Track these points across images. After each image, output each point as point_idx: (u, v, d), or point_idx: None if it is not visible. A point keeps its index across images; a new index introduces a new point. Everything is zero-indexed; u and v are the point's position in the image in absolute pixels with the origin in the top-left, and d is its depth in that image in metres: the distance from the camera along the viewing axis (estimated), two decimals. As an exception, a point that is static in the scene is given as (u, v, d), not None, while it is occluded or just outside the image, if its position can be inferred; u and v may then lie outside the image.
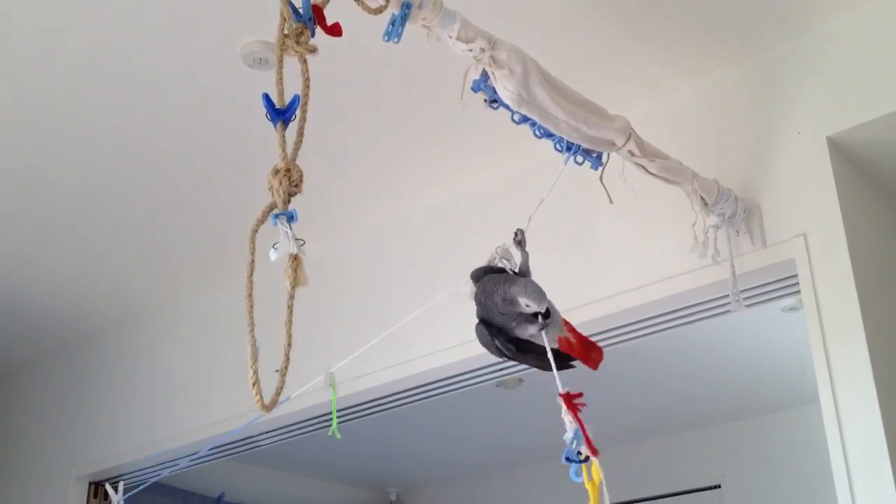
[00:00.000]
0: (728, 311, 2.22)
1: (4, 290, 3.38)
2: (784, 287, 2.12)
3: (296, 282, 1.04)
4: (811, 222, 2.02)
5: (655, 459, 4.87)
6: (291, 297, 1.03)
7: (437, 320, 2.63)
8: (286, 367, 1.02)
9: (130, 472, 3.50)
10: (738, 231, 2.07)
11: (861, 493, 1.80)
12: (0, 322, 3.62)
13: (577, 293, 2.37)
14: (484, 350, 2.53)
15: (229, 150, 2.60)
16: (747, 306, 2.19)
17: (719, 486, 4.60)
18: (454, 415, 4.59)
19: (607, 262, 2.34)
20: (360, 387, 2.75)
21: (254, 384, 0.98)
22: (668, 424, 4.73)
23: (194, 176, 2.72)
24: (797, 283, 2.05)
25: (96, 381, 3.68)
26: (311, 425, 3.02)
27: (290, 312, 1.03)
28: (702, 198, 1.96)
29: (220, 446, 3.21)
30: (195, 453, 3.26)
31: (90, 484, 3.54)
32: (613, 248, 2.35)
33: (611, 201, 1.79)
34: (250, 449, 3.25)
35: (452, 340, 2.59)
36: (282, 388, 0.99)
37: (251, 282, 1.01)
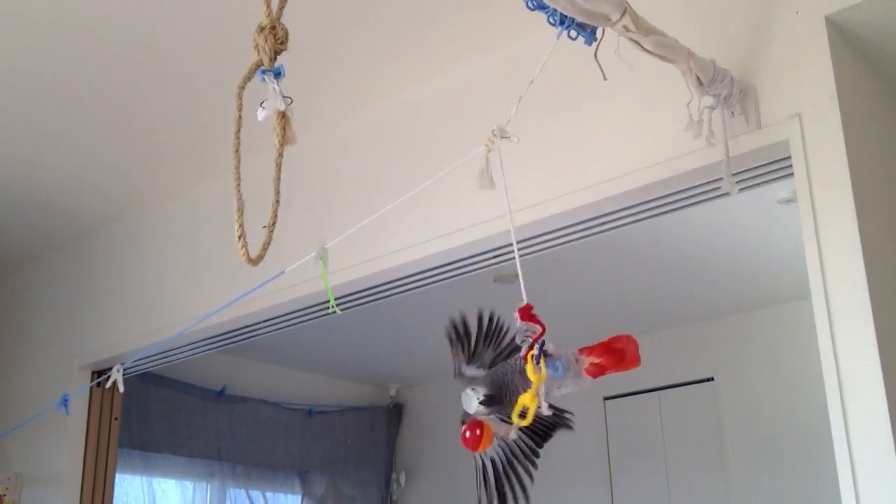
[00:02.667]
0: (721, 195, 2.23)
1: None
2: (778, 170, 2.12)
3: (284, 139, 1.05)
4: (806, 103, 2.00)
5: (650, 354, 4.92)
6: (280, 154, 1.04)
7: (430, 208, 2.64)
8: (274, 224, 1.02)
9: (133, 361, 3.56)
10: (733, 112, 2.06)
11: (849, 385, 1.83)
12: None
13: (569, 179, 2.37)
14: (477, 237, 2.55)
15: (219, 42, 2.57)
16: (741, 190, 2.19)
17: (712, 379, 4.69)
18: (451, 311, 4.64)
19: (599, 146, 2.33)
20: (352, 276, 2.77)
21: (239, 237, 0.99)
22: (662, 319, 4.79)
23: (184, 69, 2.70)
24: (791, 167, 2.05)
25: (93, 274, 3.72)
26: (309, 313, 3.06)
27: (279, 170, 1.04)
28: (697, 77, 1.94)
29: (219, 335, 3.26)
30: (195, 342, 3.32)
31: (92, 373, 3.61)
32: (605, 132, 2.34)
33: (605, 78, 1.77)
34: (249, 338, 3.29)
35: (445, 228, 2.60)
36: (269, 243, 1.00)
37: (238, 138, 1.01)
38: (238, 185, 1.00)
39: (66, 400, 3.03)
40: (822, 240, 1.94)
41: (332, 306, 1.65)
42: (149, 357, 3.51)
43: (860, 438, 1.79)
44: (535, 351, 1.36)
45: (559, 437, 5.85)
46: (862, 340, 1.82)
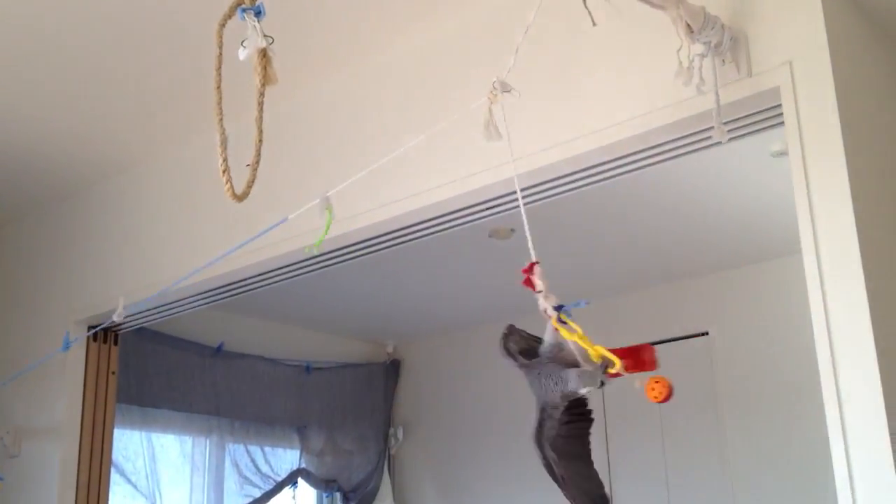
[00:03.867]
0: (713, 144, 2.23)
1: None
2: (769, 118, 2.12)
3: (265, 79, 1.05)
4: (797, 50, 2.00)
5: (645, 309, 4.98)
6: (261, 94, 1.04)
7: (426, 160, 2.64)
8: (257, 162, 1.03)
9: (130, 316, 3.58)
10: (723, 60, 2.06)
11: (839, 340, 1.84)
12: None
13: (560, 129, 2.37)
14: (472, 188, 2.54)
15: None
16: (732, 139, 2.19)
17: (707, 334, 4.72)
18: (447, 267, 4.66)
19: (589, 96, 2.33)
20: (348, 228, 2.77)
21: (224, 171, 1.00)
22: (657, 275, 4.81)
23: (172, 19, 2.68)
24: (782, 115, 2.05)
25: (90, 228, 3.72)
26: (302, 268, 3.07)
27: (261, 109, 1.04)
28: (687, 24, 1.93)
29: (216, 289, 3.27)
30: (191, 296, 3.33)
31: (89, 327, 3.62)
32: (595, 82, 2.33)
33: (594, 23, 1.77)
34: (244, 292, 3.31)
35: (441, 179, 2.61)
36: (253, 181, 1.01)
37: (219, 74, 1.01)
38: (220, 120, 1.00)
39: (67, 343, 3.06)
40: (811, 188, 1.95)
41: (314, 246, 1.64)
42: (146, 311, 3.53)
43: (849, 392, 1.81)
44: (554, 314, 1.38)
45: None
46: (852, 292, 1.83)
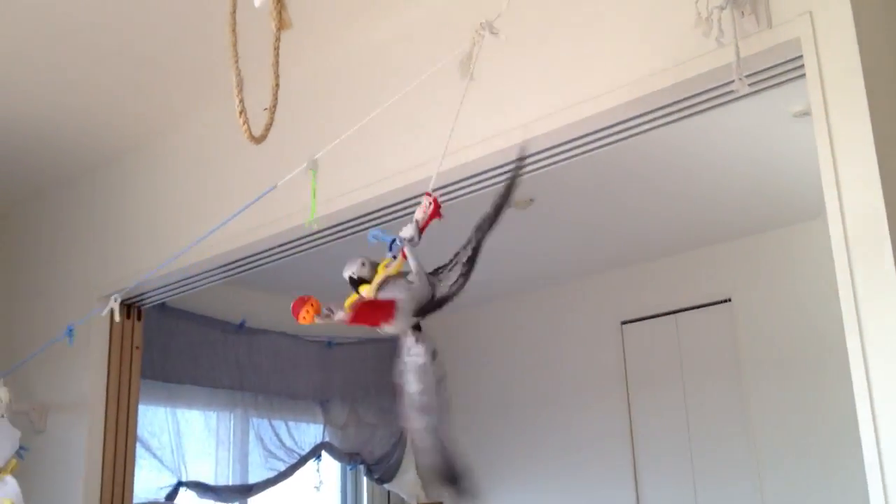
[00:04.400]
0: (734, 99, 2.21)
1: (13, 122, 3.40)
2: (790, 70, 2.09)
3: (280, 24, 1.04)
4: (817, 0, 1.97)
5: (666, 277, 4.96)
6: (277, 38, 1.03)
7: (421, 131, 2.64)
8: (275, 106, 1.03)
9: (151, 291, 3.60)
10: (743, 12, 2.03)
11: (865, 306, 1.81)
12: (12, 153, 3.66)
13: (581, 86, 2.34)
14: (471, 158, 2.51)
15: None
16: (755, 93, 2.17)
17: (730, 300, 4.70)
18: (465, 240, 4.64)
19: (604, 52, 2.31)
20: (347, 203, 2.79)
21: (240, 112, 0.99)
22: (678, 242, 4.78)
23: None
24: (803, 67, 2.02)
25: (107, 205, 3.74)
26: (307, 242, 3.09)
27: (277, 53, 1.04)
28: (706, -25, 1.91)
29: (231, 263, 3.28)
30: (208, 270, 3.35)
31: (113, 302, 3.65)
32: (610, 37, 2.31)
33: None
34: (256, 266, 3.33)
35: (439, 150, 2.58)
36: (271, 124, 1.01)
37: (234, 18, 1.00)
38: (236, 62, 1.00)
39: (70, 330, 3.08)
40: (835, 143, 1.92)
41: (310, 221, 1.66)
42: (166, 286, 3.55)
43: (877, 353, 1.78)
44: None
45: (578, 361, 5.89)
46: (878, 251, 1.81)
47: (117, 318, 2.73)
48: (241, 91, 1.01)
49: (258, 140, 1.02)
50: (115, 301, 2.77)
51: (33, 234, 4.13)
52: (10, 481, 2.87)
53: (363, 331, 5.76)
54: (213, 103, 3.29)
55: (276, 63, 1.04)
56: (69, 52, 2.97)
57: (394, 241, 1.52)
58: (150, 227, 3.53)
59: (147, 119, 3.43)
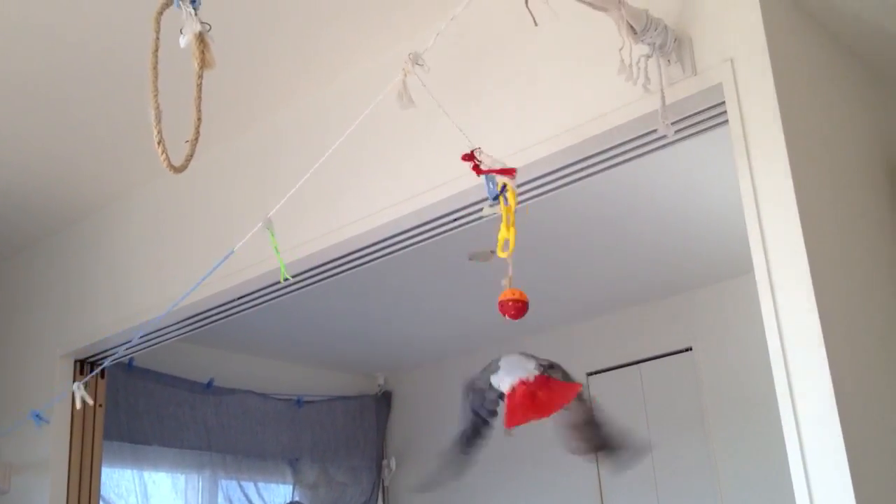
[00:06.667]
0: (663, 145, 2.31)
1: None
2: (716, 115, 2.20)
3: (203, 63, 1.12)
4: (738, 48, 2.08)
5: (628, 328, 5.03)
6: (199, 76, 1.11)
7: (376, 178, 2.72)
8: (196, 139, 1.10)
9: (112, 348, 3.62)
10: (669, 60, 2.14)
11: (792, 353, 1.93)
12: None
13: (511, 138, 2.43)
14: (419, 207, 2.60)
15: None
16: (682, 139, 2.28)
17: (691, 349, 4.77)
18: (431, 295, 4.71)
19: (538, 103, 2.40)
20: (306, 252, 2.86)
21: (159, 143, 1.07)
22: (638, 293, 4.86)
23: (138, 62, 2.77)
24: (726, 112, 2.13)
25: (68, 267, 3.79)
26: (271, 292, 3.15)
27: (199, 90, 1.11)
28: (630, 25, 2.02)
29: (194, 316, 3.33)
30: (170, 325, 3.39)
31: (75, 361, 3.68)
32: (540, 88, 2.41)
33: (535, 24, 1.85)
34: (216, 320, 3.37)
35: (391, 199, 2.67)
36: (192, 156, 1.08)
37: (155, 56, 1.09)
38: (155, 96, 1.08)
39: (38, 416, 3.12)
40: (756, 182, 2.02)
41: (284, 275, 1.74)
42: (128, 344, 3.58)
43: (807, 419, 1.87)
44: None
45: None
46: (804, 303, 1.90)
47: (79, 404, 2.72)
48: (159, 123, 1.08)
49: (178, 169, 1.10)
50: (79, 388, 2.78)
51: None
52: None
53: (333, 387, 5.79)
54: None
55: (199, 98, 1.12)
56: (27, 121, 3.04)
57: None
58: (111, 285, 3.57)
59: (106, 182, 3.49)
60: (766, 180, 1.98)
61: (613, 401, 4.99)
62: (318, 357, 5.65)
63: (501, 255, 1.59)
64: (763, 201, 1.99)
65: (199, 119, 1.11)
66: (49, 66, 2.78)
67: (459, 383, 2.49)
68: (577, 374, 5.10)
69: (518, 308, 1.64)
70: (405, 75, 1.52)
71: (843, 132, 2.38)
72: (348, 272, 3.02)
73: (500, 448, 5.33)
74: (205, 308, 3.25)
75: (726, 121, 2.15)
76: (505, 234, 1.58)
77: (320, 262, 2.94)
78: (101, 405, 3.78)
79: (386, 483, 5.84)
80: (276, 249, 1.79)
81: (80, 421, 3.69)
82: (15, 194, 3.53)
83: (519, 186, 2.49)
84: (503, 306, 1.66)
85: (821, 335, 1.85)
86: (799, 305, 1.90)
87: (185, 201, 3.38)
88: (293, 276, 3.02)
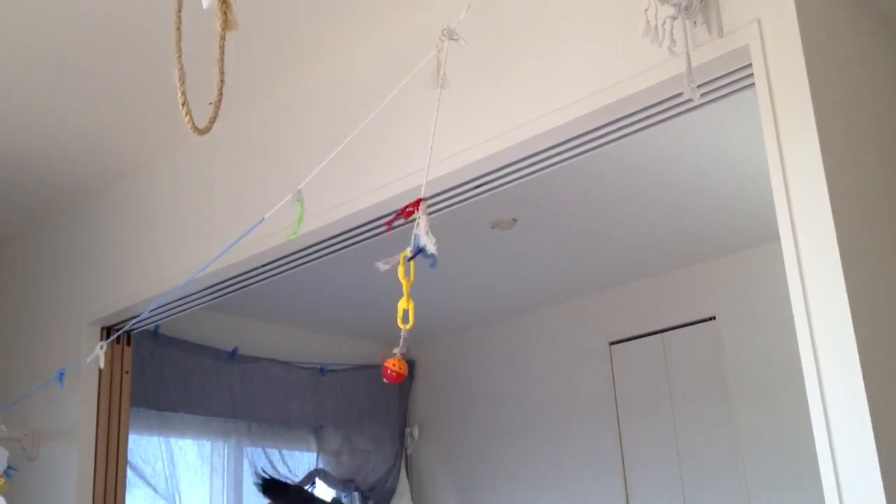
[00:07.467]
0: (691, 108, 2.29)
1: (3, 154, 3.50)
2: (742, 78, 2.17)
3: (226, 24, 1.11)
4: (765, 8, 2.05)
5: (651, 297, 5.01)
6: (222, 37, 1.10)
7: (400, 146, 2.71)
8: (220, 100, 1.10)
9: (139, 316, 3.65)
10: (695, 22, 2.11)
11: (818, 320, 1.89)
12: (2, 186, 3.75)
13: (536, 102, 2.41)
14: (442, 174, 2.59)
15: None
16: (708, 102, 2.25)
17: (714, 318, 4.74)
18: (455, 263, 4.70)
19: (562, 67, 2.38)
20: (330, 219, 2.86)
21: (183, 104, 1.06)
22: (663, 262, 4.84)
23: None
24: (752, 75, 2.10)
25: (95, 234, 3.81)
26: (293, 260, 3.15)
27: (222, 52, 1.11)
28: (655, -14, 1.99)
29: (219, 283, 3.35)
30: (196, 292, 3.40)
31: (102, 328, 3.71)
32: (566, 52, 2.38)
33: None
34: (242, 288, 3.39)
35: (415, 165, 2.66)
36: (215, 118, 1.07)
37: (179, 17, 1.08)
38: (179, 57, 1.07)
39: (61, 375, 3.14)
40: (783, 146, 1.99)
41: (294, 233, 1.75)
42: (156, 310, 3.60)
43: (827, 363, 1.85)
44: (409, 253, 1.56)
45: (568, 383, 5.97)
46: (829, 269, 1.86)
47: (102, 364, 2.77)
48: (183, 84, 1.08)
49: (202, 131, 1.10)
50: (101, 349, 2.82)
51: (27, 263, 4.20)
52: (0, 501, 2.91)
53: (356, 356, 5.83)
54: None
55: (221, 59, 1.12)
56: (55, 87, 3.05)
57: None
58: (137, 253, 3.60)
59: (132, 149, 3.51)
60: (794, 144, 1.96)
61: (636, 370, 5.02)
62: (341, 326, 5.67)
63: (401, 326, 1.62)
64: (789, 166, 1.97)
65: (223, 80, 1.11)
66: (74, 35, 2.78)
67: None
68: (600, 342, 5.13)
69: (396, 378, 1.75)
70: (438, 52, 1.50)
71: (870, 95, 2.35)
72: (374, 238, 3.02)
73: (522, 420, 5.37)
74: (230, 275, 3.26)
75: (752, 84, 2.12)
76: (405, 305, 1.60)
77: (347, 227, 2.94)
78: (127, 372, 3.82)
79: (409, 451, 5.88)
80: (299, 220, 1.79)
81: (108, 388, 3.73)
82: (42, 164, 3.56)
83: (542, 152, 2.48)
84: (384, 372, 1.76)
85: (847, 304, 1.82)
86: (825, 274, 1.87)
87: (210, 169, 3.39)
88: (320, 242, 3.02)
